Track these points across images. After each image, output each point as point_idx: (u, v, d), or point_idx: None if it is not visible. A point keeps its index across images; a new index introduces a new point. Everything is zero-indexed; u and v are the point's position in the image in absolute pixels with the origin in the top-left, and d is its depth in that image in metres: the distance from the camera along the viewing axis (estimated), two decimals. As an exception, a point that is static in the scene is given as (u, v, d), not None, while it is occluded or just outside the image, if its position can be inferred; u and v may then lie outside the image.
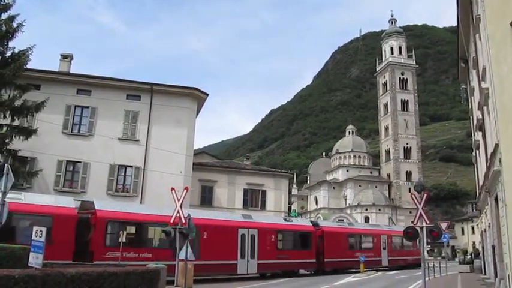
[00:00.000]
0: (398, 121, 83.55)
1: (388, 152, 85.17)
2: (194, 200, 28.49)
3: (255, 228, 21.85)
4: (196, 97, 27.87)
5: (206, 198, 30.90)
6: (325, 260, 25.52)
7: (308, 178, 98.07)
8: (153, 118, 26.22)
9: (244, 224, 21.74)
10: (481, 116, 14.89)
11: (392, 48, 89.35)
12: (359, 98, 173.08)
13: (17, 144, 20.63)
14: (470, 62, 18.67)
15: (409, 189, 74.26)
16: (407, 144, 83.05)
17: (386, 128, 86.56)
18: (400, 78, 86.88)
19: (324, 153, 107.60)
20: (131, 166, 25.32)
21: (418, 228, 12.26)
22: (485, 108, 13.33)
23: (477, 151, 20.75)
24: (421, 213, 12.30)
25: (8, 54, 20.05)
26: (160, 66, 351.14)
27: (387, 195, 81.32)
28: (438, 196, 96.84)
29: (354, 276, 23.23)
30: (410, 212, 67.27)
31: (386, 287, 18.56)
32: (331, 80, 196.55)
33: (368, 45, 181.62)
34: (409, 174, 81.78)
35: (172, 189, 15.27)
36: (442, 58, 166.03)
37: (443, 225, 23.11)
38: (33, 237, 7.90)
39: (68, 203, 16.87)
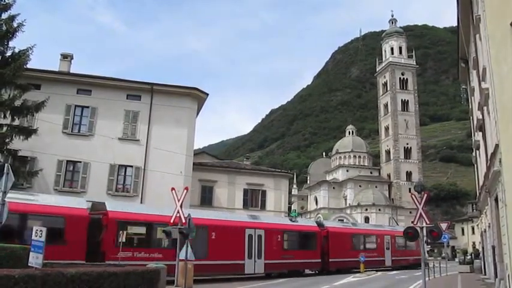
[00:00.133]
0: (398, 121, 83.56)
1: (388, 152, 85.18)
2: (194, 200, 28.49)
3: (261, 228, 22.08)
4: (197, 97, 27.87)
5: (206, 198, 30.90)
6: (330, 260, 25.75)
7: (308, 178, 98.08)
8: (153, 118, 26.22)
9: (251, 224, 21.96)
10: (481, 116, 14.89)
11: (392, 49, 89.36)
12: (359, 98, 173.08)
13: (17, 144, 20.63)
14: (470, 62, 18.67)
15: (409, 189, 74.26)
16: (407, 144, 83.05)
17: (387, 128, 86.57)
18: (400, 78, 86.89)
19: (324, 153, 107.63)
20: (131, 166, 25.32)
21: (418, 229, 12.26)
22: (485, 108, 13.33)
23: (477, 151, 20.75)
24: (421, 214, 12.30)
25: (8, 54, 20.05)
26: (161, 66, 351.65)
27: (387, 196, 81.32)
28: (438, 196, 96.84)
29: (354, 276, 23.24)
30: (410, 212, 67.26)
31: (387, 287, 18.57)
32: (331, 80, 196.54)
33: (368, 45, 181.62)
34: (409, 175, 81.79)
35: (173, 189, 15.29)
36: (442, 58, 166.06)
37: (443, 226, 23.08)
38: (33, 237, 7.90)
39: (80, 204, 17.18)
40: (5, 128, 20.10)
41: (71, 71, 27.29)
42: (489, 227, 18.10)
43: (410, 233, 12.22)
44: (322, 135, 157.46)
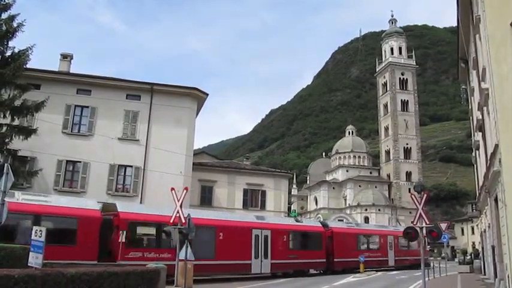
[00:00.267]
0: (398, 121, 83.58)
1: (388, 152, 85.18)
2: (194, 200, 28.49)
3: (268, 229, 22.30)
4: (196, 97, 27.86)
5: (206, 198, 30.90)
6: (335, 259, 25.98)
7: (308, 178, 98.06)
8: (153, 118, 26.22)
9: (258, 225, 22.18)
10: (481, 117, 14.89)
11: (392, 49, 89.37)
12: (359, 98, 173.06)
13: (17, 143, 20.65)
14: (470, 62, 18.67)
15: (409, 189, 74.26)
16: (407, 144, 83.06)
17: (386, 128, 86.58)
18: (400, 78, 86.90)
19: (323, 154, 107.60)
20: (131, 166, 25.32)
21: (418, 229, 12.27)
22: (485, 108, 13.33)
23: (477, 151, 20.75)
24: (420, 214, 12.30)
25: (8, 53, 20.08)
26: (160, 66, 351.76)
27: (387, 196, 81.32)
28: (438, 196, 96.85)
29: (354, 276, 23.24)
30: (410, 212, 67.21)
31: (386, 287, 18.57)
32: (331, 80, 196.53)
33: (368, 45, 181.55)
34: (409, 175, 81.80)
35: (172, 189, 15.30)
36: (442, 58, 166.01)
37: (443, 226, 23.07)
38: (33, 237, 7.89)
39: (92, 205, 17.39)
40: (4, 128, 20.10)
41: (71, 71, 27.29)
42: (489, 227, 18.10)
43: (410, 233, 12.22)
44: (322, 135, 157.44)
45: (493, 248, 16.25)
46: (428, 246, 50.05)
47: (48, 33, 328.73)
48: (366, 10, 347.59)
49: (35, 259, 7.73)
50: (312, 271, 25.52)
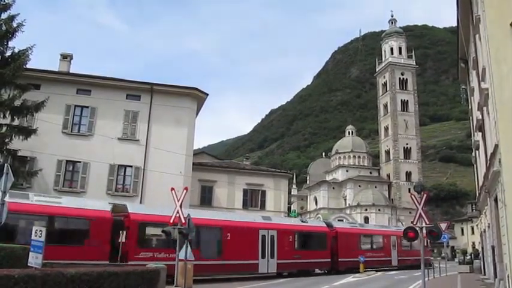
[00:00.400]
0: (398, 121, 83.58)
1: (387, 152, 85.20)
2: (194, 200, 28.48)
3: (274, 229, 22.57)
4: (196, 97, 27.86)
5: (206, 198, 30.90)
6: (339, 259, 26.23)
7: (308, 178, 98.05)
8: (153, 118, 26.21)
9: (264, 225, 22.45)
10: (480, 117, 14.89)
11: (392, 49, 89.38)
12: (359, 98, 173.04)
13: (17, 143, 20.63)
14: (470, 62, 18.68)
15: (409, 189, 74.15)
16: (407, 144, 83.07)
17: (386, 128, 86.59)
18: (400, 78, 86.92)
19: (323, 154, 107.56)
20: (131, 166, 25.31)
21: (418, 229, 12.26)
22: (485, 108, 13.33)
23: (477, 151, 20.75)
24: (420, 214, 12.30)
25: (8, 53, 20.06)
26: (160, 66, 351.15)
27: (387, 196, 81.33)
28: (438, 196, 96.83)
29: (354, 276, 23.25)
30: (410, 212, 67.22)
31: (386, 287, 18.57)
32: (331, 80, 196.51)
33: (368, 45, 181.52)
34: (408, 175, 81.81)
35: (172, 189, 15.32)
36: (442, 58, 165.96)
37: (443, 226, 23.12)
38: (33, 237, 7.89)
39: (104, 206, 17.58)
40: (4, 128, 20.09)
41: (71, 71, 27.29)
42: (489, 227, 18.11)
43: (411, 233, 12.22)
44: (322, 135, 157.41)
45: (492, 248, 16.25)
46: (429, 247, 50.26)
47: (48, 33, 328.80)
48: (366, 10, 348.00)
49: (34, 259, 7.73)
50: (316, 271, 25.79)
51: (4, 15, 19.88)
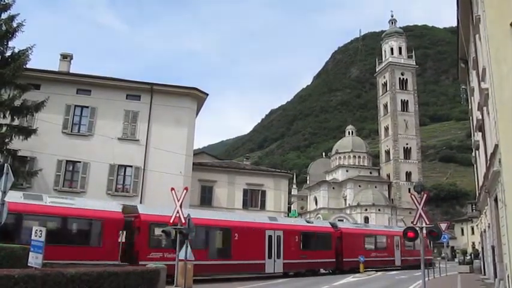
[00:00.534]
0: (398, 121, 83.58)
1: (387, 152, 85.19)
2: (194, 200, 28.47)
3: (280, 229, 22.85)
4: (196, 97, 27.86)
5: (206, 198, 30.89)
6: (344, 259, 26.49)
7: (308, 178, 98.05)
8: (153, 118, 26.22)
9: (270, 225, 22.75)
10: (480, 117, 14.89)
11: (392, 49, 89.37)
12: (359, 98, 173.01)
13: (17, 144, 20.63)
14: (470, 62, 18.68)
15: (409, 189, 74.13)
16: (407, 144, 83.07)
17: (386, 128, 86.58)
18: (400, 78, 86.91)
19: (323, 154, 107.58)
20: (131, 166, 25.32)
21: (418, 229, 12.26)
22: (485, 108, 13.33)
23: (477, 151, 20.75)
24: (420, 214, 12.30)
25: (8, 54, 20.05)
26: (161, 66, 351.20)
27: (387, 196, 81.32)
28: (438, 196, 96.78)
29: (354, 276, 23.26)
30: (410, 213, 67.20)
31: (386, 287, 18.57)
32: (331, 80, 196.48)
33: (368, 45, 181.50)
34: (408, 175, 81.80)
35: (172, 189, 15.32)
36: (442, 58, 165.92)
37: (443, 226, 23.13)
38: (33, 237, 7.89)
39: (115, 207, 17.73)
40: (4, 128, 20.09)
41: (71, 71, 27.29)
42: (489, 227, 18.11)
43: (410, 233, 12.21)
44: (322, 135, 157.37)
45: (492, 248, 16.25)
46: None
47: (48, 33, 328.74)
48: (366, 10, 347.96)
49: (35, 259, 7.74)
50: (321, 270, 26.05)
51: (4, 15, 19.88)
